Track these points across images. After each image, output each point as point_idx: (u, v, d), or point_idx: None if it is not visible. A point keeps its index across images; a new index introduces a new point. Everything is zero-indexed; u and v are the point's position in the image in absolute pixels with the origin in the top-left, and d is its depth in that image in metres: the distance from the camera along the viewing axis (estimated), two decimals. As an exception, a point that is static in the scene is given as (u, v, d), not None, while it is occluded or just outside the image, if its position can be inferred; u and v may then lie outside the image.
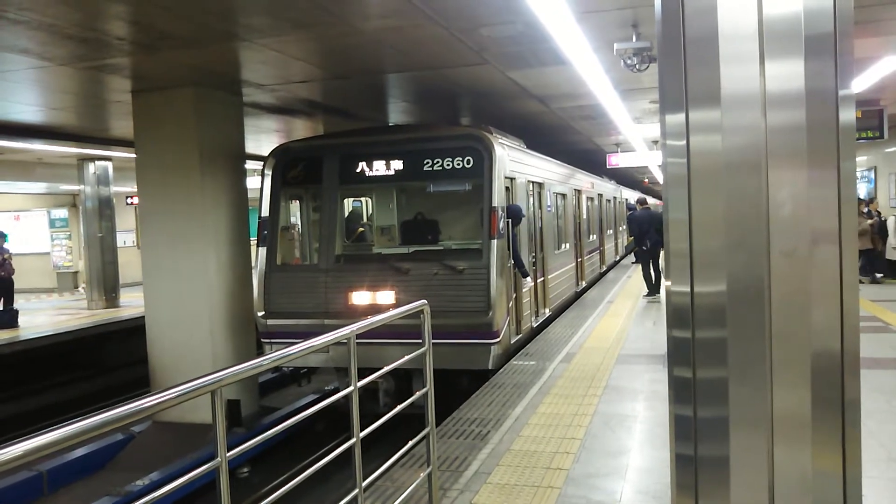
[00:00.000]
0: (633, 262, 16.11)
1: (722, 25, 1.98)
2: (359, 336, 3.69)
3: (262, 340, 9.93)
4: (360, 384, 3.67)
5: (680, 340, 2.07)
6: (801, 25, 1.93)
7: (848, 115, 1.95)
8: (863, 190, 19.82)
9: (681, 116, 2.04)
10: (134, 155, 10.45)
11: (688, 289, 2.04)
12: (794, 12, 1.94)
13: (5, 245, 15.17)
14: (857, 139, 13.32)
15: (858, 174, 19.73)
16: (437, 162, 9.45)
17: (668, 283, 2.10)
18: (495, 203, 9.04)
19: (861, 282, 14.63)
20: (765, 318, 1.97)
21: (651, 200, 21.55)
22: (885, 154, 18.38)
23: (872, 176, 19.35)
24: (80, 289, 22.18)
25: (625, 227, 26.70)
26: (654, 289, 14.77)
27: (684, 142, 2.04)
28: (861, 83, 11.14)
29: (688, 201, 2.04)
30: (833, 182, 1.96)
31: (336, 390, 10.71)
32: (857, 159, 19.02)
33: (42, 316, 16.45)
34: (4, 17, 6.34)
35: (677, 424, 2.09)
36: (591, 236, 18.79)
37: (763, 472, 1.99)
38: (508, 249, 9.40)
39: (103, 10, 6.55)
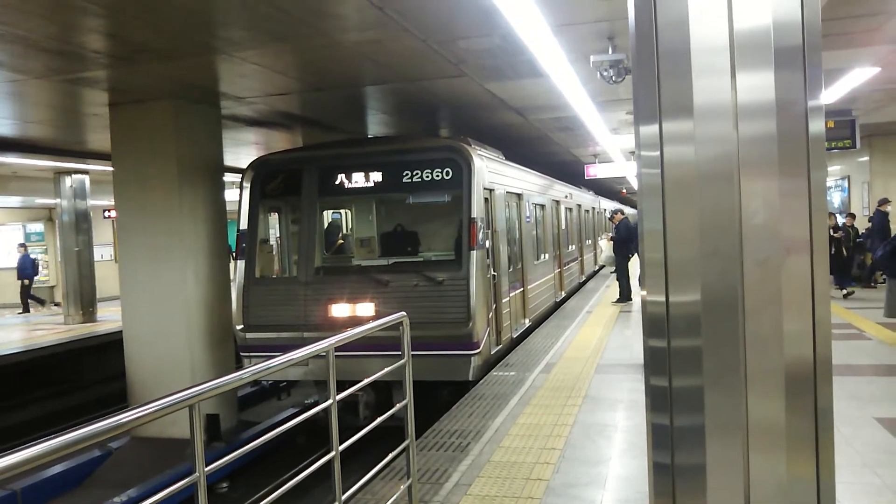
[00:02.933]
0: (611, 272, 16.35)
1: (694, 39, 2.01)
2: (338, 349, 3.68)
3: (241, 354, 9.86)
4: (339, 397, 3.67)
5: (656, 349, 2.08)
6: (770, 38, 1.97)
7: (817, 125, 1.98)
8: (837, 199, 20.11)
9: (655, 127, 2.07)
10: (111, 168, 10.38)
11: (663, 298, 2.06)
12: (764, 25, 1.97)
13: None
14: (830, 149, 13.50)
15: (832, 183, 20.02)
16: (417, 173, 9.47)
17: (644, 292, 2.12)
18: (474, 214, 9.07)
19: None
20: (739, 327, 1.99)
21: (629, 210, 21.64)
22: (858, 163, 18.67)
23: (846, 185, 19.63)
24: (54, 304, 21.95)
25: (602, 236, 26.96)
26: (624, 296, 15.27)
27: (658, 152, 2.06)
28: (833, 94, 11.32)
29: (662, 211, 2.06)
30: (804, 191, 1.98)
31: (316, 403, 10.65)
32: (831, 169, 19.40)
33: (17, 331, 16.23)
34: (-22, 30, 6.30)
35: (654, 433, 2.11)
36: (570, 247, 18.89)
37: (739, 478, 2.01)
38: (488, 259, 9.44)
39: (79, 23, 6.51)
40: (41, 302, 20.90)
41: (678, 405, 2.07)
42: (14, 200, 21.20)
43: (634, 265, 15.14)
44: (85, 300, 17.18)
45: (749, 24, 1.98)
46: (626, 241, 15.26)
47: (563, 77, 9.00)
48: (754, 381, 2.00)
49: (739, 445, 2.01)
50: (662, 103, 2.06)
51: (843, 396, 6.77)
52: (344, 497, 3.65)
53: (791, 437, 1.99)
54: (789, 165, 1.98)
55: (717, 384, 2.02)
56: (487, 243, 9.67)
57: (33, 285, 20.83)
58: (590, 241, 23.88)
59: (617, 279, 15.76)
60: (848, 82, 10.61)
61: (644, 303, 2.12)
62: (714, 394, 2.02)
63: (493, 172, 10.24)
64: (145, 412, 2.36)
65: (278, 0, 6.05)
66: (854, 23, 7.71)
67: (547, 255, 14.94)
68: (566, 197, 18.52)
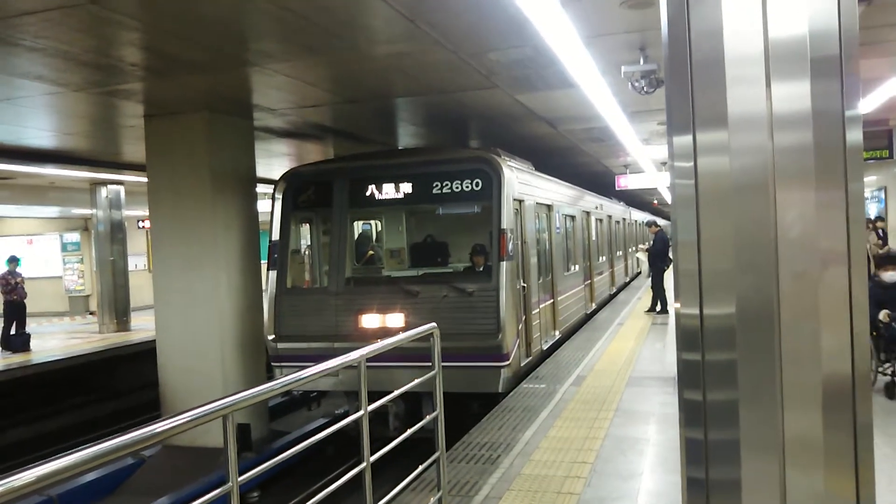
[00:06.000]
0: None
1: (728, 48, 1.99)
2: (368, 359, 3.69)
3: (273, 364, 9.92)
4: (370, 408, 3.67)
5: (690, 363, 2.06)
6: (806, 48, 1.94)
7: (855, 135, 1.95)
8: (873, 209, 19.73)
9: (688, 138, 2.05)
10: (146, 179, 10.54)
11: (697, 311, 2.03)
12: (800, 35, 1.95)
13: (18, 269, 15.28)
14: (866, 159, 13.27)
15: (869, 194, 19.65)
16: (447, 185, 9.49)
17: (678, 304, 2.10)
18: (504, 225, 9.06)
19: None
20: (775, 341, 1.96)
21: (662, 222, 21.47)
22: (895, 174, 18.30)
23: (883, 196, 19.26)
24: (90, 314, 22.27)
25: (634, 248, 26.87)
26: (654, 306, 15.37)
27: (692, 163, 2.04)
28: (869, 103, 11.14)
29: (696, 223, 2.03)
30: (841, 203, 1.95)
31: (346, 414, 10.69)
32: (867, 179, 19.03)
33: (54, 340, 16.51)
34: (20, 44, 6.44)
35: (688, 448, 2.08)
36: (600, 258, 18.76)
37: (775, 495, 1.97)
38: (518, 270, 9.41)
39: (117, 37, 6.64)
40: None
41: (712, 419, 2.04)
42: (51, 211, 21.60)
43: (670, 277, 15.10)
44: (119, 309, 17.46)
45: (784, 34, 1.96)
46: (660, 253, 15.20)
47: (594, 88, 8.97)
48: (791, 395, 1.96)
49: (776, 462, 1.97)
50: (696, 113, 2.04)
51: (882, 413, 6.62)
52: (374, 508, 3.65)
53: (829, 454, 1.95)
54: (826, 176, 1.95)
55: (752, 399, 1.98)
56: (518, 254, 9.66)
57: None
58: (620, 253, 23.69)
59: (652, 289, 15.69)
60: (885, 92, 10.44)
61: (678, 315, 2.10)
62: (749, 408, 1.98)
63: (522, 183, 10.22)
64: (180, 422, 2.38)
65: (310, 13, 6.11)
66: (891, 31, 7.58)
67: (577, 267, 14.85)
68: (596, 208, 18.42)
